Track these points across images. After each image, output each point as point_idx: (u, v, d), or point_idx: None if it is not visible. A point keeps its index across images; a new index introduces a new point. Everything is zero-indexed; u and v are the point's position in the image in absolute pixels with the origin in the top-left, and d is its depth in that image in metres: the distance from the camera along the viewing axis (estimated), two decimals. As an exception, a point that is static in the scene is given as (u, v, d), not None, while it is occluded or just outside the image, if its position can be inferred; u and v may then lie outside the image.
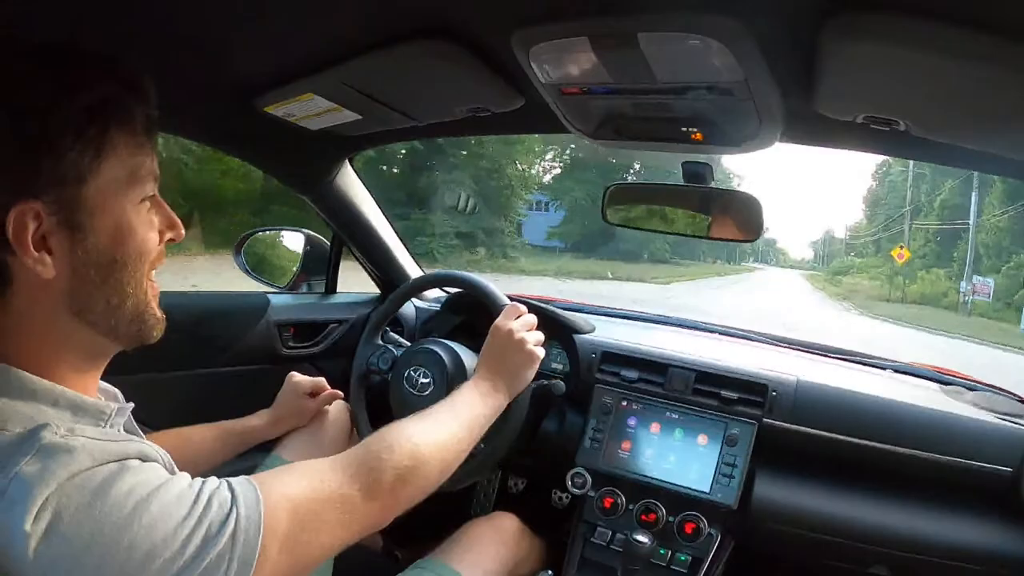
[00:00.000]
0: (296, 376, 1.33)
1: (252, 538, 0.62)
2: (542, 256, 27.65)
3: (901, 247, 27.64)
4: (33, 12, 0.80)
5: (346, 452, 0.81)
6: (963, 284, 23.41)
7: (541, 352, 1.18)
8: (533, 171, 22.95)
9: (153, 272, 0.74)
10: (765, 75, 0.83)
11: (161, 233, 0.74)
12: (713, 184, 1.24)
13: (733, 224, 1.24)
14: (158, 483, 0.60)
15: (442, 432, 0.93)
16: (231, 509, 0.62)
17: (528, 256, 25.66)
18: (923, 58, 0.71)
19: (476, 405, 1.06)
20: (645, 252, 33.40)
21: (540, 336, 1.20)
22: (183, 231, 0.76)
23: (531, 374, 1.18)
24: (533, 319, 1.22)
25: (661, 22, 0.75)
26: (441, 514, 1.46)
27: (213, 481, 0.65)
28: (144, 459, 0.63)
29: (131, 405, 0.80)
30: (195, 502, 0.61)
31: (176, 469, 0.67)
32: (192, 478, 0.64)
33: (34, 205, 0.62)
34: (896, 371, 1.56)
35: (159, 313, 0.75)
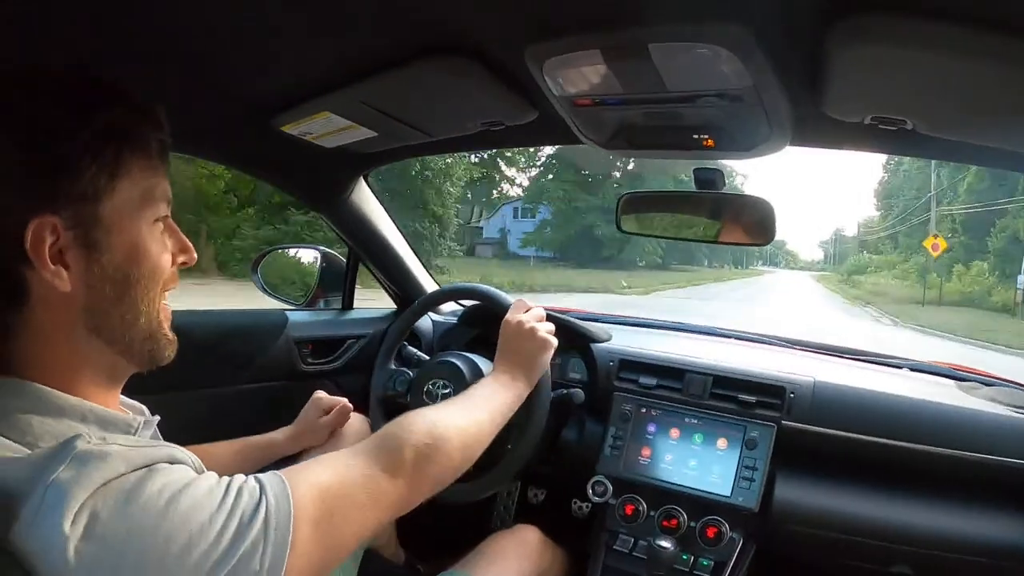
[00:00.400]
0: (319, 394, 1.36)
1: (284, 524, 0.63)
2: (509, 266, 26.71)
3: (936, 236, 22.87)
4: (54, 38, 0.82)
5: (365, 439, 0.83)
6: (1021, 278, 19.30)
7: (553, 339, 1.20)
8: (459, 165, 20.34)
9: (167, 294, 0.77)
10: (773, 80, 0.84)
11: (173, 256, 0.76)
12: (725, 189, 1.25)
13: (746, 228, 1.25)
14: (188, 480, 0.62)
15: (461, 416, 0.95)
16: (260, 498, 0.64)
17: (482, 267, 24.45)
18: (929, 57, 0.72)
19: (496, 393, 1.08)
20: (640, 259, 32.85)
21: (551, 325, 1.22)
22: (195, 255, 0.79)
23: (546, 360, 1.19)
24: (541, 311, 1.24)
25: (670, 32, 0.76)
26: (462, 527, 1.47)
27: (240, 476, 0.66)
28: (173, 461, 0.65)
29: (157, 418, 0.82)
30: (225, 494, 0.63)
31: (205, 470, 0.69)
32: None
33: (52, 220, 0.64)
34: (912, 369, 1.56)
35: (171, 335, 0.77)
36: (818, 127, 1.03)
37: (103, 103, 0.68)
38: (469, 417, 0.96)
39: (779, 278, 53.05)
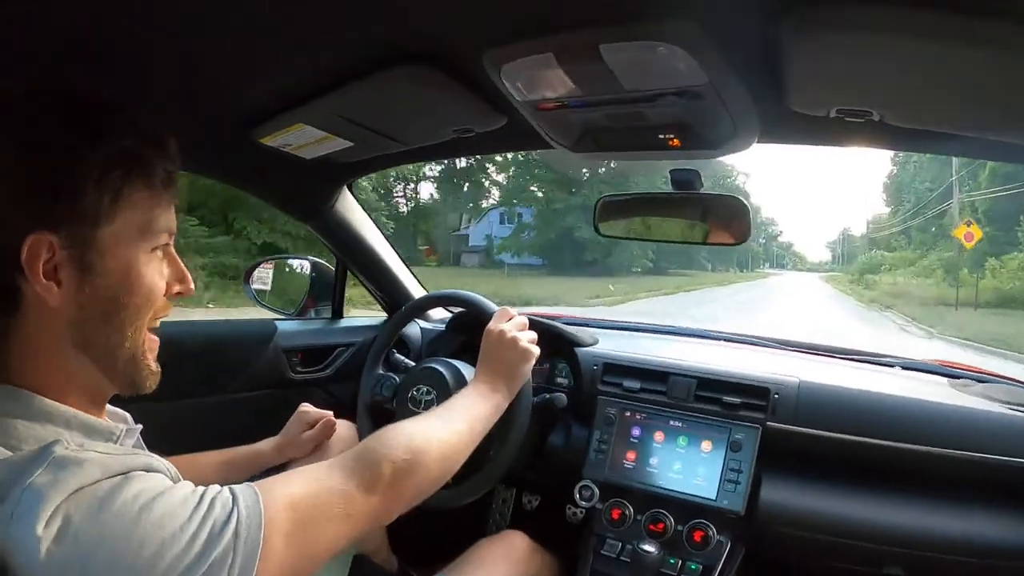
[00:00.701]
0: (304, 407, 1.35)
1: (254, 534, 0.64)
2: (490, 275, 26.01)
3: (969, 224, 19.49)
4: (32, 49, 0.84)
5: (346, 452, 0.83)
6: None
7: (535, 349, 1.20)
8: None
9: (157, 322, 0.78)
10: (730, 76, 0.84)
11: (169, 285, 0.77)
12: (703, 189, 1.25)
13: (723, 227, 1.25)
14: (162, 488, 0.63)
15: (439, 427, 0.95)
16: (232, 508, 0.64)
17: (461, 277, 23.29)
18: (884, 43, 0.71)
19: (475, 404, 1.08)
20: (632, 264, 32.17)
21: (533, 335, 1.22)
22: (192, 286, 0.80)
23: (527, 370, 1.19)
24: (524, 320, 1.24)
25: (620, 32, 0.76)
26: (456, 533, 1.47)
27: (215, 487, 0.67)
28: (149, 469, 0.66)
29: (139, 427, 0.84)
30: (199, 504, 0.63)
31: (181, 479, 0.69)
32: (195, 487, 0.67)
33: (49, 237, 0.66)
34: (904, 367, 1.54)
35: (154, 367, 0.78)
36: (784, 122, 1.02)
37: (115, 129, 0.70)
38: (448, 429, 0.96)
39: (785, 280, 51.68)
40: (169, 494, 0.63)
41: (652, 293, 23.55)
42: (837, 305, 23.68)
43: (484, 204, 35.83)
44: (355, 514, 0.76)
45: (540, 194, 29.50)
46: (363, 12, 0.79)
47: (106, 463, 0.62)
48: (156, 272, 0.75)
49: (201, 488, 0.66)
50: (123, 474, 0.62)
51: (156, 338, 0.78)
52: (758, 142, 1.06)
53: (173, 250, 0.78)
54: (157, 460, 0.69)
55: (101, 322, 0.71)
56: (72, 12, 0.76)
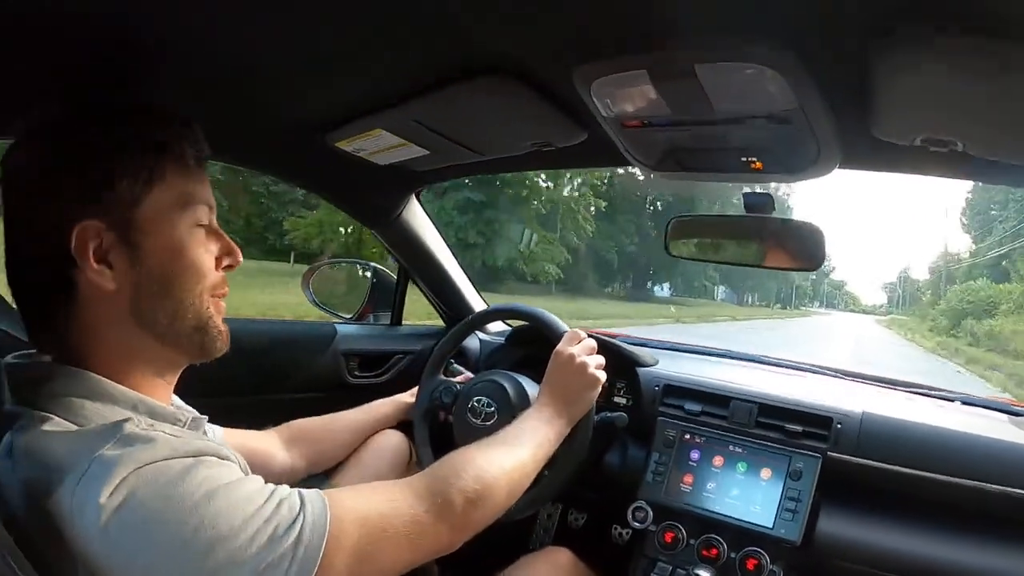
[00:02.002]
0: None
1: (315, 546, 0.64)
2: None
3: None
4: (129, 61, 0.87)
5: (416, 475, 0.84)
6: None
7: (602, 375, 1.20)
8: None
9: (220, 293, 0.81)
10: (820, 102, 0.84)
11: (218, 260, 0.81)
12: (774, 213, 1.24)
13: (794, 253, 1.23)
14: (230, 479, 0.64)
15: (508, 457, 0.95)
16: (299, 515, 0.65)
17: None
18: (975, 77, 0.71)
19: (540, 430, 1.08)
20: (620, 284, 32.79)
21: (601, 360, 1.22)
22: (240, 257, 0.83)
23: (593, 397, 1.19)
24: (593, 344, 1.24)
25: (716, 53, 0.77)
26: (500, 547, 1.46)
27: (285, 488, 0.68)
28: (220, 457, 0.67)
29: (205, 417, 0.86)
30: (265, 503, 0.64)
31: (250, 472, 0.71)
32: (265, 483, 0.68)
33: (95, 224, 0.71)
34: (964, 403, 1.50)
35: (223, 327, 0.81)
36: (867, 150, 1.02)
37: (143, 117, 0.76)
38: (515, 457, 0.97)
39: (832, 321, 46.78)
40: (236, 486, 0.64)
41: (631, 321, 20.42)
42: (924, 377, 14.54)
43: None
44: (421, 541, 0.76)
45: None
46: (455, 24, 0.81)
47: (174, 444, 0.64)
48: (201, 246, 0.78)
49: (270, 486, 0.67)
50: (194, 456, 0.64)
51: (223, 304, 0.82)
52: (839, 168, 1.05)
53: (217, 226, 0.81)
54: (228, 450, 0.70)
55: (158, 298, 0.75)
56: (156, 27, 0.79)
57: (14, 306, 0.77)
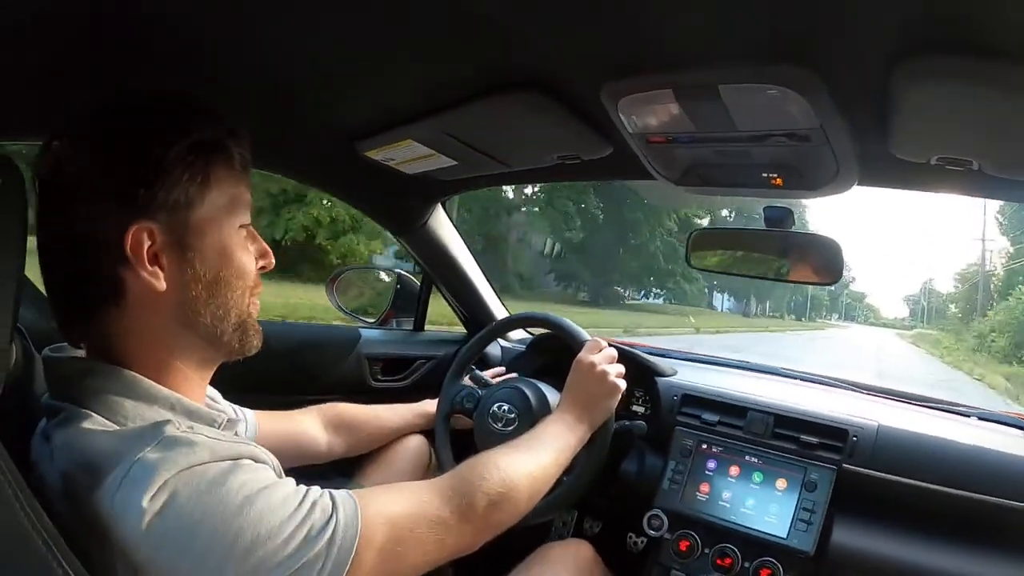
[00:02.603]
0: None
1: (348, 545, 0.67)
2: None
3: None
4: (168, 70, 0.90)
5: (441, 477, 0.87)
6: None
7: (623, 384, 1.23)
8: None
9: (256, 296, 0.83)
10: (840, 121, 0.86)
11: (256, 260, 0.83)
12: (793, 228, 1.26)
13: (813, 267, 1.26)
14: (267, 483, 0.67)
15: (530, 461, 0.98)
16: (332, 515, 0.68)
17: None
18: (994, 98, 0.73)
19: (561, 436, 1.10)
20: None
21: (621, 368, 1.25)
22: (273, 260, 0.85)
23: (613, 404, 1.22)
24: (614, 352, 1.27)
25: (740, 74, 0.79)
26: (514, 551, 1.48)
27: (317, 490, 0.70)
28: (256, 460, 0.70)
29: (240, 419, 0.89)
30: (300, 505, 0.67)
31: (283, 474, 0.73)
32: (297, 484, 0.70)
33: (150, 225, 0.71)
34: (980, 418, 1.50)
35: (258, 325, 0.83)
36: (885, 168, 1.04)
37: (194, 120, 0.76)
38: (536, 462, 0.99)
39: (850, 335, 43.17)
40: (273, 489, 0.66)
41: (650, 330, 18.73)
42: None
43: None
44: (445, 540, 0.79)
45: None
46: (487, 39, 0.83)
47: (214, 447, 0.66)
48: (243, 247, 0.80)
49: (303, 488, 0.69)
50: (233, 459, 0.66)
51: (258, 302, 0.84)
52: (857, 185, 1.07)
53: (253, 228, 0.83)
54: (263, 451, 0.72)
55: (206, 299, 0.76)
56: (192, 32, 0.82)
57: (44, 292, 0.77)
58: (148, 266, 0.71)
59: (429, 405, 1.49)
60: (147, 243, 0.71)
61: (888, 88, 0.77)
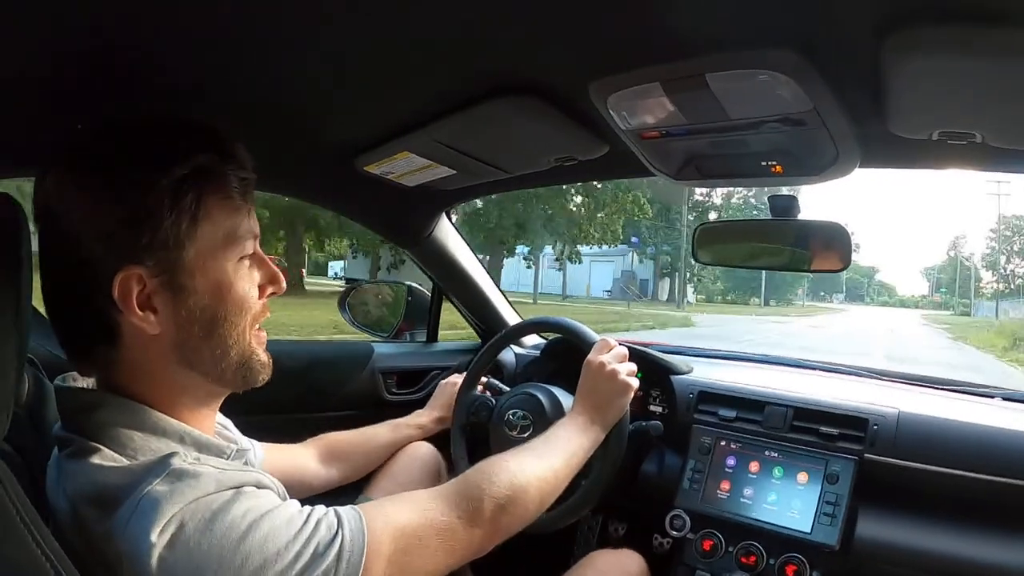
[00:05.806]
0: (454, 378, 1.53)
1: (356, 558, 0.67)
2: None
3: None
4: (167, 95, 0.90)
5: (447, 483, 0.86)
6: None
7: (635, 382, 1.21)
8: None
9: (259, 324, 0.81)
10: (834, 102, 0.84)
11: (262, 288, 0.79)
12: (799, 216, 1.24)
13: (822, 254, 1.24)
14: (271, 507, 0.67)
15: (540, 464, 0.97)
16: (337, 531, 0.68)
17: None
18: (988, 65, 0.71)
19: (573, 438, 1.09)
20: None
21: (632, 367, 1.23)
22: (284, 285, 0.81)
23: (626, 403, 1.20)
24: (624, 351, 1.25)
25: (725, 61, 0.78)
26: (541, 558, 1.47)
27: (321, 508, 0.71)
28: (259, 486, 0.70)
29: (249, 448, 0.89)
30: (305, 524, 0.67)
31: (288, 497, 0.74)
32: (302, 505, 0.71)
33: (137, 270, 0.69)
34: (1005, 399, 1.46)
35: (264, 358, 0.80)
36: (886, 147, 1.02)
37: (182, 150, 0.71)
38: (546, 464, 0.98)
39: (849, 318, 38.20)
40: (277, 512, 0.66)
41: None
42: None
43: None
44: (455, 547, 0.78)
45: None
46: (472, 47, 0.83)
47: (220, 478, 0.66)
48: (246, 280, 0.77)
49: (308, 508, 0.69)
50: (235, 488, 0.66)
51: (263, 332, 0.81)
52: (860, 167, 1.05)
53: (261, 252, 0.79)
54: (267, 477, 0.72)
55: (202, 338, 0.74)
56: (187, 53, 0.81)
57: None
58: (138, 312, 0.69)
59: (423, 414, 1.48)
60: (136, 288, 0.69)
61: (880, 64, 0.75)
